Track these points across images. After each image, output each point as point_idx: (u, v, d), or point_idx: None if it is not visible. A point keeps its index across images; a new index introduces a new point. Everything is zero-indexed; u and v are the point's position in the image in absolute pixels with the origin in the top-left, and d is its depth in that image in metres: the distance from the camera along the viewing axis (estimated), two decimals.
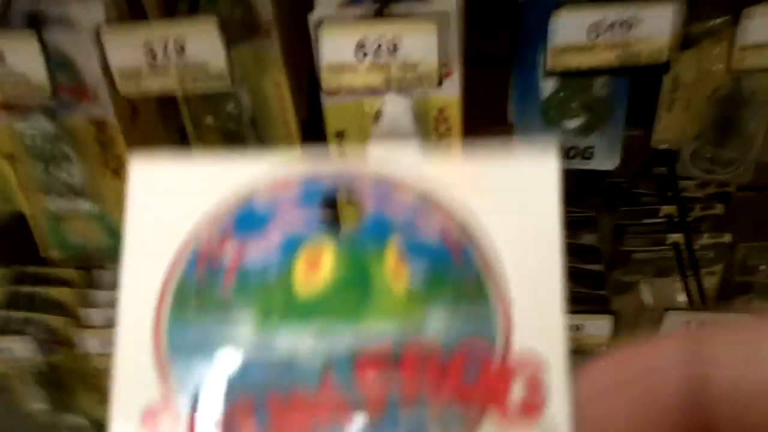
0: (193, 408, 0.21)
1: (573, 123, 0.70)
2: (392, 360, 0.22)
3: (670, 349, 0.22)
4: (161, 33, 0.61)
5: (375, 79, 0.58)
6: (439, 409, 0.21)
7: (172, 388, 0.22)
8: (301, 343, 0.22)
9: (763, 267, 0.90)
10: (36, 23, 0.64)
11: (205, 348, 0.22)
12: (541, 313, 0.22)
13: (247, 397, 0.22)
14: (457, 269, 0.22)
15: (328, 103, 0.63)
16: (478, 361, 0.21)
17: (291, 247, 0.22)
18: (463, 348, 0.21)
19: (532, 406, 0.21)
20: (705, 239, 0.88)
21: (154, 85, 0.62)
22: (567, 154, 0.71)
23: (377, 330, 0.22)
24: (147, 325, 0.22)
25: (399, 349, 0.21)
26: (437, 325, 0.22)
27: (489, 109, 0.69)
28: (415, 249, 0.22)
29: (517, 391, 0.21)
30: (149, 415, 0.21)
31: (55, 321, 0.91)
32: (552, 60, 0.58)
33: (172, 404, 0.21)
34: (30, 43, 0.61)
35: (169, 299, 0.22)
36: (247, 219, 0.23)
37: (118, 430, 0.21)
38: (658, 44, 0.57)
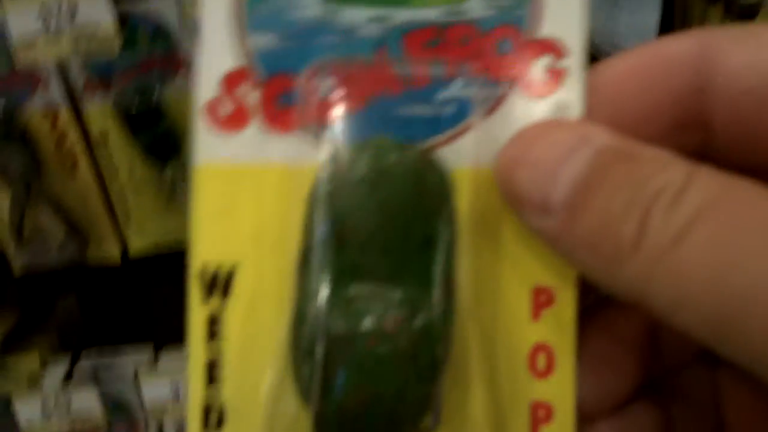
0: (267, 75, 0.24)
1: None
2: (437, 37, 0.24)
3: (685, 42, 0.24)
4: None
5: None
6: (477, 80, 0.24)
7: (250, 56, 0.24)
8: (360, 18, 0.24)
9: None
10: None
11: (279, 18, 0.24)
12: (566, 6, 0.24)
13: (314, 64, 0.24)
14: None
15: None
16: (509, 42, 0.24)
17: None
18: (497, 30, 0.24)
19: (552, 82, 0.24)
20: None
21: None
22: None
23: (425, 11, 0.25)
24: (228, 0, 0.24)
25: (444, 28, 0.24)
26: (477, 11, 0.25)
27: None
28: None
29: (540, 69, 0.24)
30: (230, 78, 0.24)
31: None
32: None
33: (250, 70, 0.24)
34: None
35: None
36: None
37: (203, 91, 0.24)
38: None
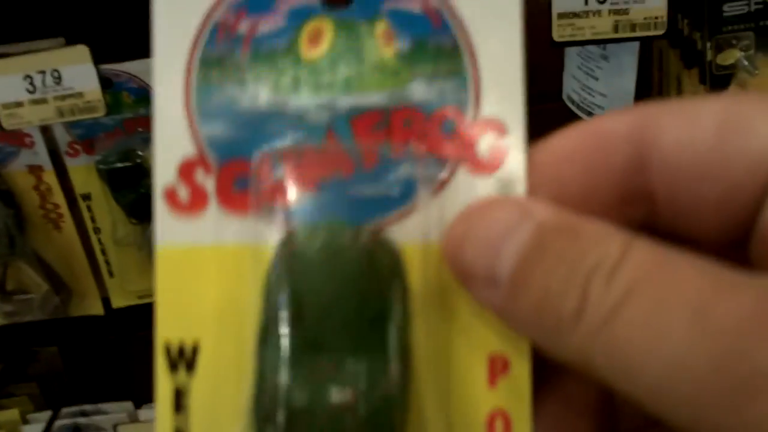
0: (221, 162, 0.25)
1: None
2: (383, 120, 0.26)
3: (623, 119, 0.24)
4: None
5: None
6: (423, 160, 0.25)
7: (204, 144, 0.25)
8: (308, 104, 0.25)
9: None
10: None
11: (230, 108, 0.26)
12: (505, 85, 0.25)
13: (266, 152, 0.25)
14: (437, 34, 0.26)
15: None
16: (452, 123, 0.25)
17: (297, 21, 0.26)
18: (441, 112, 0.25)
19: (495, 161, 0.25)
20: None
21: None
22: None
23: (370, 96, 0.26)
24: (178, 92, 0.26)
25: (388, 111, 0.25)
26: (420, 93, 0.26)
27: None
28: (400, 19, 0.26)
29: (483, 148, 0.25)
30: (185, 166, 0.25)
31: None
32: None
33: (204, 157, 0.25)
34: None
35: (195, 67, 0.26)
36: None
37: (160, 178, 0.25)
38: None
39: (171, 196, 0.25)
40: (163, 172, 0.25)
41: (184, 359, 0.25)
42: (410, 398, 0.24)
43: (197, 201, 0.25)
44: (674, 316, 0.20)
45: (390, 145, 0.25)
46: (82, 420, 0.84)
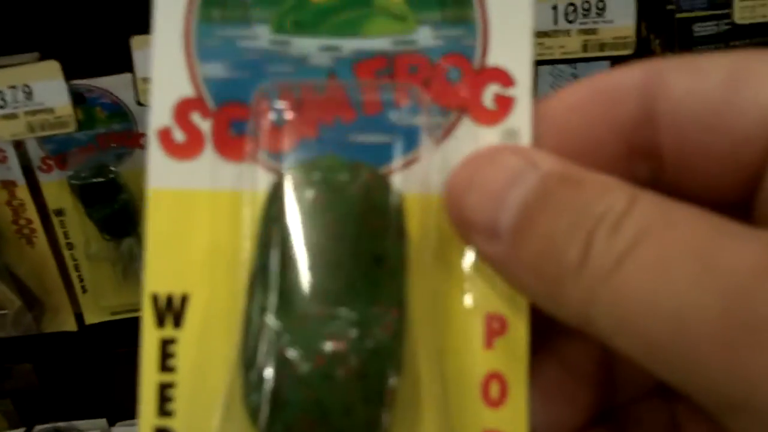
0: (219, 104, 0.25)
1: None
2: (387, 66, 0.25)
3: (631, 73, 0.24)
4: None
5: None
6: (427, 108, 0.25)
7: (202, 85, 0.25)
8: (311, 47, 0.25)
9: None
10: None
11: (229, 48, 0.25)
12: (513, 36, 0.25)
13: (264, 90, 0.25)
14: None
15: None
16: (458, 71, 0.25)
17: None
18: (446, 59, 0.25)
19: (500, 112, 0.25)
20: None
21: None
22: None
23: (375, 41, 0.25)
24: (178, 31, 0.25)
25: (393, 57, 0.25)
26: (426, 40, 0.25)
27: None
28: None
29: (488, 98, 0.25)
30: (182, 107, 0.25)
31: None
32: None
33: (201, 99, 0.25)
34: None
35: (197, 5, 0.25)
36: None
37: (155, 118, 0.25)
38: None
39: (165, 137, 0.25)
40: (159, 112, 0.25)
41: (172, 312, 0.24)
42: (402, 351, 0.23)
43: (193, 144, 0.25)
44: (680, 266, 0.19)
45: (394, 91, 0.25)
46: None
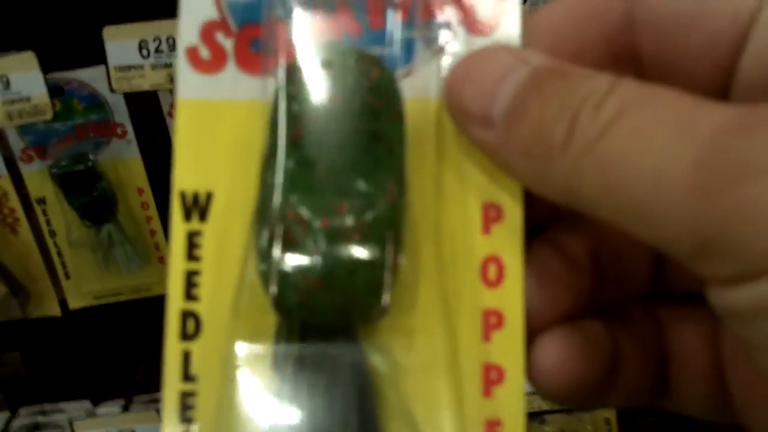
0: (240, 25, 0.27)
1: None
2: None
3: None
4: None
5: None
6: (425, 22, 0.27)
7: (225, 9, 0.27)
8: None
9: None
10: None
11: None
12: None
13: (277, 15, 0.27)
14: None
15: None
16: None
17: None
18: None
19: (492, 23, 0.27)
20: None
21: None
22: None
23: None
24: None
25: None
26: None
27: None
28: None
29: (482, 11, 0.27)
30: (207, 28, 0.27)
31: None
32: None
33: (224, 21, 0.27)
34: None
35: None
36: None
37: (183, 39, 0.27)
38: None
39: (193, 54, 0.27)
40: (187, 32, 0.27)
41: (198, 207, 0.26)
42: (404, 223, 0.25)
43: (217, 59, 0.27)
44: (658, 132, 0.21)
45: (395, 8, 0.27)
46: (41, 418, 0.86)
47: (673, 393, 0.29)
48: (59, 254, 0.84)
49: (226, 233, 0.26)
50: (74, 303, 0.86)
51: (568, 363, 0.26)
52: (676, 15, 0.25)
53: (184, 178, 0.27)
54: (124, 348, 0.90)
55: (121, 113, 0.78)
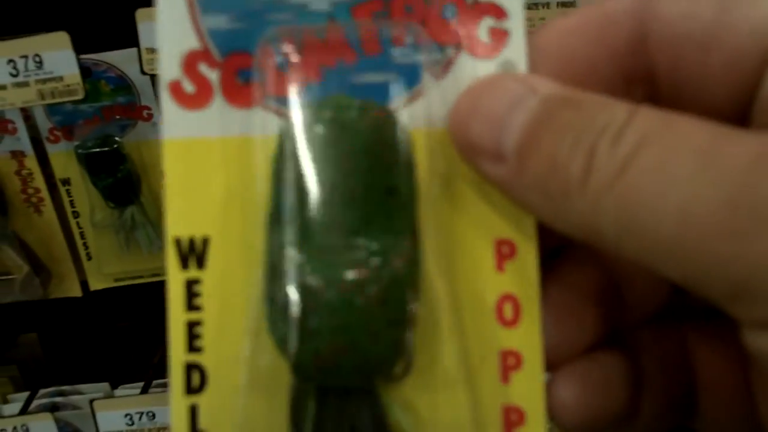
0: (224, 54, 0.26)
1: None
2: (383, 8, 0.26)
3: (622, 0, 0.25)
4: None
5: None
6: (426, 46, 0.26)
7: (207, 37, 0.26)
8: None
9: None
10: None
11: (233, 1, 0.26)
12: None
13: (268, 34, 0.25)
14: None
15: None
16: (453, 8, 0.26)
17: None
18: None
19: (496, 44, 0.26)
20: None
21: None
22: None
23: None
24: None
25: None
26: None
27: None
28: None
29: (483, 31, 0.26)
30: (189, 59, 0.26)
31: None
32: None
33: (207, 50, 0.26)
34: None
35: None
36: None
37: (165, 72, 0.26)
38: None
39: (176, 89, 0.25)
40: (168, 66, 0.25)
41: (195, 254, 0.25)
42: (420, 278, 0.24)
43: (202, 93, 0.25)
44: (681, 166, 0.20)
45: (392, 31, 0.26)
46: (59, 399, 0.87)
47: (701, 416, 0.28)
48: (82, 235, 0.85)
49: (227, 280, 0.25)
50: (95, 284, 0.87)
51: (587, 398, 0.26)
52: (694, 32, 0.23)
53: (178, 223, 0.25)
54: (142, 331, 0.91)
55: (147, 96, 0.79)
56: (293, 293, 0.23)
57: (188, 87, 0.26)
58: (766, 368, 0.22)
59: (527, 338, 0.26)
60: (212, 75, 0.26)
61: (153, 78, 0.77)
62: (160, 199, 0.83)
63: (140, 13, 0.70)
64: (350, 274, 0.23)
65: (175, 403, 0.25)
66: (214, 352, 0.25)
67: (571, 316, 0.26)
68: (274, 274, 0.24)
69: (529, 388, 0.26)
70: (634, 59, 0.25)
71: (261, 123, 0.25)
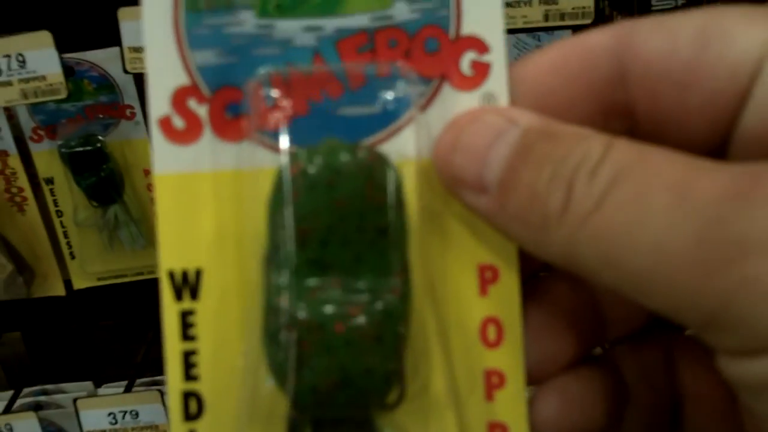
0: (213, 89, 0.26)
1: None
2: (368, 42, 0.26)
3: (604, 34, 0.25)
4: None
5: None
6: (410, 79, 0.26)
7: (195, 73, 0.26)
8: (294, 29, 0.26)
9: None
10: None
11: (218, 35, 0.26)
12: (485, 5, 0.26)
13: (256, 74, 0.26)
14: None
15: None
16: (435, 41, 0.26)
17: None
18: (423, 31, 0.26)
19: (477, 77, 0.26)
20: None
21: None
22: None
23: (354, 18, 0.26)
24: (168, 21, 0.26)
25: (373, 32, 0.26)
26: (402, 15, 0.26)
27: None
28: None
29: (465, 65, 0.26)
30: (179, 95, 0.26)
31: None
32: None
33: (195, 86, 0.26)
34: None
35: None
36: None
37: (155, 108, 0.26)
38: None
39: (166, 125, 0.26)
40: (157, 101, 0.26)
41: (188, 286, 0.26)
42: (410, 310, 0.25)
43: (192, 129, 0.26)
44: (656, 200, 0.20)
45: (376, 65, 0.26)
46: (43, 398, 0.87)
47: (686, 430, 0.29)
48: (65, 234, 0.85)
49: (221, 310, 0.26)
50: (78, 283, 0.87)
51: (568, 413, 0.27)
52: (673, 70, 0.24)
53: (171, 256, 0.26)
54: (125, 330, 0.91)
55: (130, 95, 0.79)
56: (291, 332, 0.24)
57: (178, 122, 0.26)
58: (740, 397, 0.22)
59: (510, 358, 0.27)
60: (201, 110, 0.26)
61: (136, 77, 0.77)
62: (144, 198, 0.84)
63: (122, 12, 0.70)
64: (345, 313, 0.24)
65: (175, 429, 0.26)
66: (210, 380, 0.26)
67: (553, 333, 0.27)
68: (272, 312, 0.25)
69: (512, 405, 0.27)
70: (613, 94, 0.25)
71: (250, 156, 0.26)
